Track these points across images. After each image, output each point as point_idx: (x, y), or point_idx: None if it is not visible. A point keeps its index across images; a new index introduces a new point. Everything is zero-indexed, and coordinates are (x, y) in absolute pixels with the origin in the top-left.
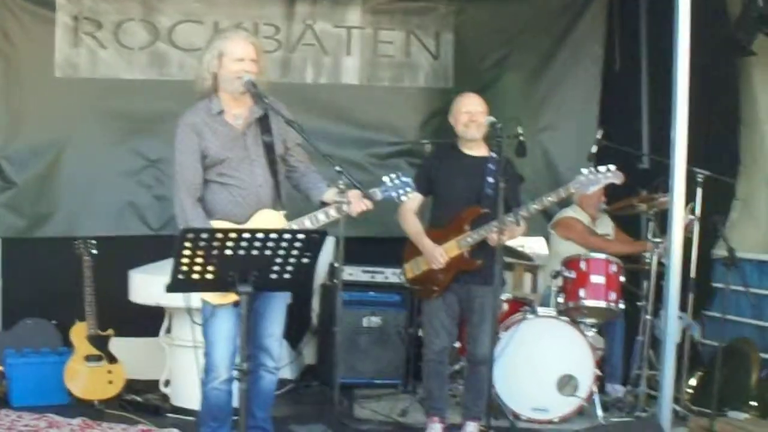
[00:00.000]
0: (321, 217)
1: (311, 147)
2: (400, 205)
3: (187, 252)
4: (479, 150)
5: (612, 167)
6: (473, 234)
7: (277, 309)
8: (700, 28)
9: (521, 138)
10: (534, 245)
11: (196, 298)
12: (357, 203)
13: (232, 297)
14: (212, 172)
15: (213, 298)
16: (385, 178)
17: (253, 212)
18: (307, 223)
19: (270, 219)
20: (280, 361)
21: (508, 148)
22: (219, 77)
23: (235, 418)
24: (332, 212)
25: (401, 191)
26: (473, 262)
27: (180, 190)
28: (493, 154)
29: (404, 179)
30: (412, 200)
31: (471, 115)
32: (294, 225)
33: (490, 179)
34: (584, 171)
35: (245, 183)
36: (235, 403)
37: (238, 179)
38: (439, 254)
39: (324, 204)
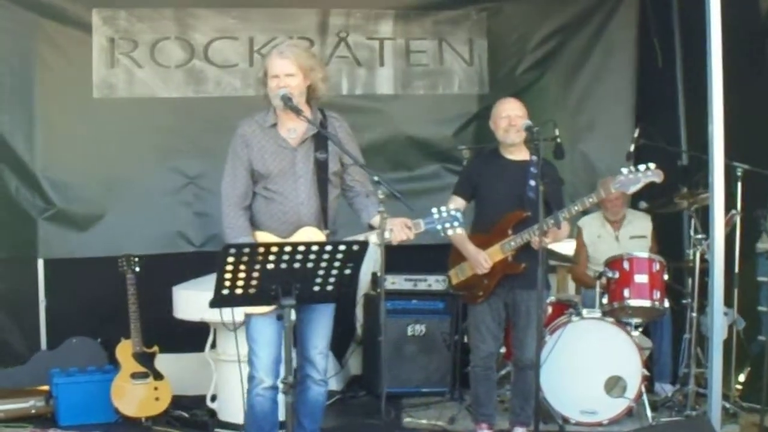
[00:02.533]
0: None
1: (349, 156)
2: None
3: (229, 267)
4: (520, 154)
5: (652, 165)
6: (516, 238)
7: (321, 322)
8: (732, 21)
9: (558, 140)
10: (569, 247)
11: (238, 313)
12: (398, 232)
13: (267, 309)
14: (259, 185)
15: (251, 308)
16: (434, 210)
17: (295, 229)
18: None
19: (310, 237)
20: (327, 373)
21: (546, 150)
22: (266, 92)
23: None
24: (373, 238)
25: (447, 224)
26: (517, 266)
27: (222, 198)
28: (534, 158)
29: (453, 213)
30: (456, 206)
31: (510, 119)
32: None
33: (532, 183)
34: (624, 170)
35: (287, 199)
36: (282, 416)
37: (281, 194)
38: (483, 259)
39: (372, 227)
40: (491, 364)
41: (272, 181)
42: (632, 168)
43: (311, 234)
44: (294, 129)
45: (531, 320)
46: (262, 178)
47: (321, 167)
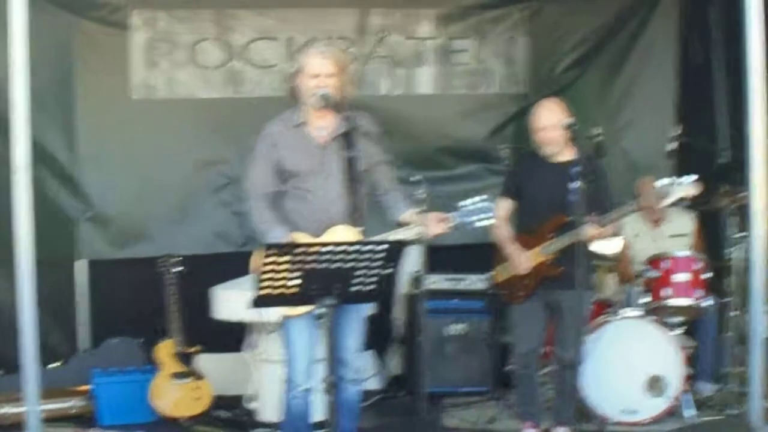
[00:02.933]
0: (395, 238)
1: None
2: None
3: (269, 267)
4: (563, 155)
5: (692, 177)
6: (556, 241)
7: (353, 322)
8: None
9: (600, 138)
10: (615, 246)
11: (273, 313)
12: (433, 227)
13: (301, 308)
14: (289, 184)
15: (283, 309)
16: (466, 201)
17: (326, 227)
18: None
19: (343, 234)
20: (361, 372)
21: (587, 149)
22: (299, 91)
23: (321, 431)
24: (401, 235)
25: (479, 216)
26: (556, 269)
27: (250, 197)
28: (579, 155)
29: (484, 203)
30: (503, 208)
31: (544, 132)
32: None
33: (574, 185)
34: (664, 181)
35: (318, 197)
36: (319, 416)
37: (312, 193)
38: (524, 260)
39: (400, 225)
40: (530, 363)
41: (302, 179)
42: (674, 178)
43: (344, 232)
44: (323, 127)
45: (572, 319)
46: (292, 176)
47: (351, 165)
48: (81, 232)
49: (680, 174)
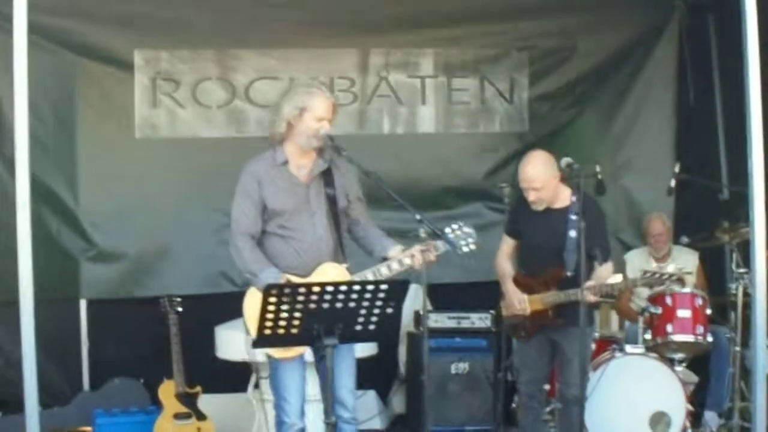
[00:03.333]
0: (384, 271)
1: (392, 196)
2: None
3: (271, 307)
4: (558, 201)
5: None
6: (560, 294)
7: (346, 360)
8: None
9: (600, 176)
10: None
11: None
12: (419, 256)
13: (295, 351)
14: (273, 224)
15: (275, 352)
16: (447, 229)
17: (315, 265)
18: (369, 276)
19: (332, 272)
20: (356, 412)
21: (587, 187)
22: (295, 130)
23: None
24: (395, 265)
25: (463, 242)
26: (555, 321)
27: (236, 236)
28: (574, 198)
29: (466, 230)
30: (507, 245)
31: (528, 191)
32: (369, 274)
33: (572, 233)
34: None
35: (306, 236)
36: None
37: (300, 231)
38: (518, 302)
39: (385, 259)
40: (535, 393)
41: (287, 219)
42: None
43: (333, 269)
44: (304, 166)
45: (574, 356)
46: (276, 215)
47: (331, 202)
48: (83, 271)
49: (680, 211)
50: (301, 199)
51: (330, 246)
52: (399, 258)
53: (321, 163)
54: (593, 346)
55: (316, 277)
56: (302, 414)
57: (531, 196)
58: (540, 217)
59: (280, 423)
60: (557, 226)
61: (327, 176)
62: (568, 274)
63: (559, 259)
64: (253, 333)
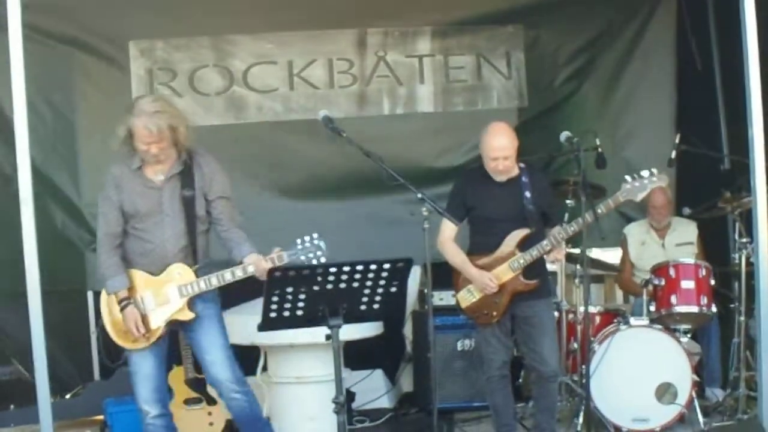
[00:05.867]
0: (227, 276)
1: (394, 176)
2: (439, 236)
3: (276, 290)
4: (510, 172)
5: (655, 170)
6: (525, 255)
7: (210, 335)
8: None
9: (599, 150)
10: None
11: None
12: (261, 266)
13: (142, 343)
14: (129, 224)
15: (125, 343)
16: (298, 240)
17: (162, 265)
18: (213, 281)
19: (176, 274)
20: (241, 383)
21: (588, 160)
22: (130, 146)
23: None
24: (238, 272)
25: (311, 254)
26: (530, 284)
27: (98, 237)
28: (522, 165)
29: (317, 242)
30: (450, 229)
31: (498, 161)
32: (201, 282)
33: (527, 194)
34: (628, 178)
35: (153, 236)
36: None
37: (149, 233)
38: (488, 280)
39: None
40: (506, 372)
41: (140, 220)
42: (636, 175)
43: (180, 270)
44: (160, 170)
45: (545, 330)
46: (131, 217)
47: (188, 204)
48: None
49: (682, 182)
50: (154, 201)
51: (178, 247)
52: (243, 266)
53: (176, 165)
54: (598, 319)
55: (163, 277)
56: (157, 401)
57: (501, 166)
58: (496, 187)
59: (138, 409)
60: (514, 193)
61: (185, 177)
62: (531, 230)
63: (517, 226)
64: (110, 331)
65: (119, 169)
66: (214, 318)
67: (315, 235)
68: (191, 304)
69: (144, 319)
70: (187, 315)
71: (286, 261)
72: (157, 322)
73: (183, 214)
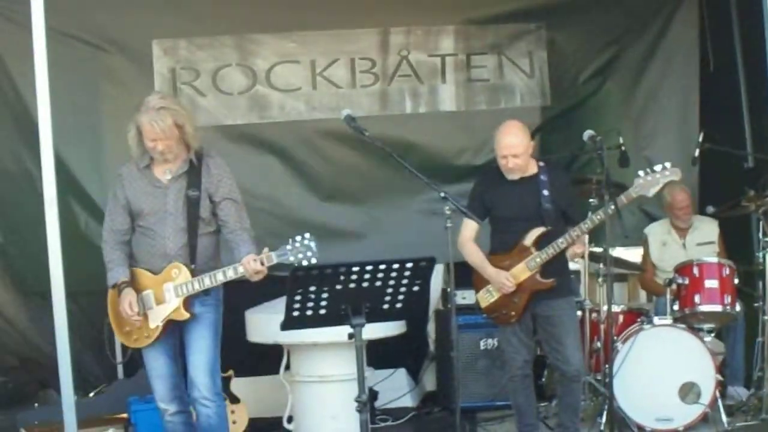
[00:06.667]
0: (219, 276)
1: (415, 175)
2: (459, 236)
3: (299, 289)
4: (530, 169)
5: (668, 164)
6: (541, 254)
7: (197, 341)
8: None
9: (623, 148)
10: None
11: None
12: (248, 266)
13: (142, 342)
14: (135, 222)
15: (127, 342)
16: (290, 240)
17: (162, 263)
18: (206, 281)
19: (174, 273)
20: (214, 392)
21: (611, 159)
22: (137, 143)
23: None
24: (230, 272)
25: (301, 255)
26: (546, 283)
27: (104, 232)
28: (542, 164)
29: (308, 242)
30: (471, 229)
31: (508, 159)
32: (195, 282)
33: (545, 192)
34: (641, 173)
35: (156, 234)
36: None
37: (151, 231)
38: (505, 279)
39: None
40: (528, 372)
41: (144, 218)
42: (649, 170)
43: (177, 270)
44: (169, 169)
45: (568, 330)
46: (137, 215)
47: (192, 204)
48: None
49: (705, 181)
50: (159, 200)
51: (178, 246)
52: (234, 266)
53: (183, 164)
54: (621, 318)
55: (162, 276)
56: (174, 398)
57: (510, 164)
58: (514, 186)
59: (157, 407)
60: (531, 192)
61: (192, 177)
62: (548, 229)
63: (535, 225)
64: (114, 329)
65: (127, 169)
66: (209, 322)
67: (307, 236)
68: (189, 304)
69: (144, 317)
70: (182, 315)
71: (274, 261)
72: (156, 321)
73: (185, 213)
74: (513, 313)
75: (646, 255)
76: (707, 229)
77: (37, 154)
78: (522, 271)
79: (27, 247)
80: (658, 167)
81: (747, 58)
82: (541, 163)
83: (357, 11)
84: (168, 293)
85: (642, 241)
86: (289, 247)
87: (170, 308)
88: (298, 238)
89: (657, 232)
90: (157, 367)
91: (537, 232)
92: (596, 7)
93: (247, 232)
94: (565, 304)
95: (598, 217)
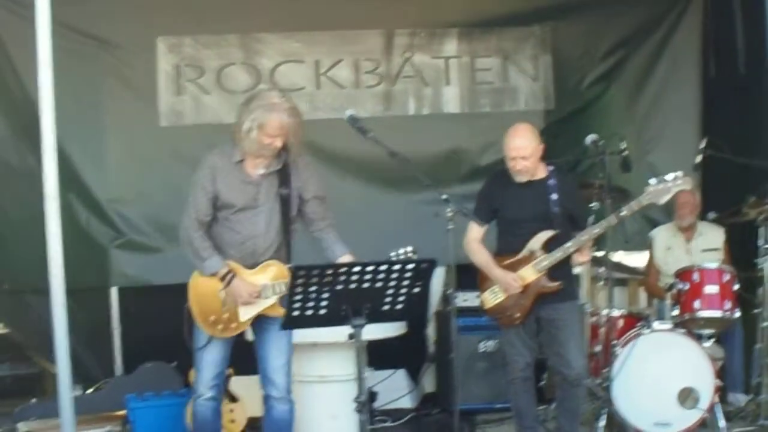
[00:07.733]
0: None
1: (418, 176)
2: (465, 237)
3: (299, 289)
4: (538, 173)
5: (680, 173)
6: (550, 256)
7: (276, 339)
8: None
9: (625, 153)
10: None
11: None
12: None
13: (229, 333)
14: (221, 214)
15: (212, 331)
16: (392, 252)
17: (250, 258)
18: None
19: (271, 270)
20: (289, 391)
21: (613, 164)
22: (249, 139)
23: None
24: None
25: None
26: (553, 286)
27: (189, 221)
28: (551, 168)
29: (410, 255)
30: (476, 231)
31: (516, 161)
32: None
33: (554, 197)
34: (652, 182)
35: (245, 230)
36: None
37: (239, 225)
38: (512, 280)
39: None
40: (529, 374)
41: (233, 213)
42: (660, 178)
43: (275, 268)
44: (260, 164)
45: (571, 333)
46: (225, 208)
47: (283, 202)
48: (112, 259)
49: (707, 187)
50: (250, 196)
51: (268, 244)
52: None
53: (275, 162)
54: (621, 322)
55: (257, 271)
56: (214, 386)
57: (518, 166)
58: (522, 189)
59: (194, 389)
60: (540, 195)
61: (283, 175)
62: (556, 232)
63: (543, 227)
64: (196, 316)
65: (220, 160)
66: None
67: (409, 249)
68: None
69: (234, 310)
70: (279, 311)
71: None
72: (247, 314)
73: (279, 211)
74: (518, 314)
75: (651, 259)
76: (713, 236)
77: (38, 150)
78: (529, 272)
79: (26, 242)
80: (670, 176)
81: (750, 64)
82: (551, 167)
83: (362, 12)
84: (267, 290)
85: (647, 244)
86: (392, 256)
87: (265, 304)
88: (401, 250)
89: (662, 236)
90: (214, 354)
91: (546, 234)
92: (601, 12)
93: (334, 229)
94: (570, 307)
95: (608, 223)
